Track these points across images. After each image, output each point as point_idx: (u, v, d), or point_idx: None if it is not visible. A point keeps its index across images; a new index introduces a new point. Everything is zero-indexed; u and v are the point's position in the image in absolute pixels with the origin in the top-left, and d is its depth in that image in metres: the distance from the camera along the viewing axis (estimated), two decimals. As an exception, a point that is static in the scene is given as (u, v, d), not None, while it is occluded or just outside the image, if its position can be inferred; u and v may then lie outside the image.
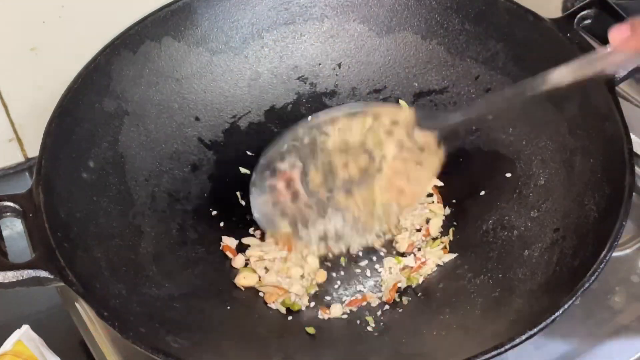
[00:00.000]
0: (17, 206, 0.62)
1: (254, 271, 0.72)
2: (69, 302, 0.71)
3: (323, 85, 0.82)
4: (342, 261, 0.72)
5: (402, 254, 0.73)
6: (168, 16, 0.76)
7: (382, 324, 0.68)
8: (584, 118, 0.70)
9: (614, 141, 0.65)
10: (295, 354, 0.65)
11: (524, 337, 0.55)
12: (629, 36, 0.54)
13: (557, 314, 0.56)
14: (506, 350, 0.55)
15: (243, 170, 0.78)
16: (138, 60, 0.75)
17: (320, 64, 0.82)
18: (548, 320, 0.56)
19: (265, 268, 0.72)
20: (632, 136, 0.65)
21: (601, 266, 0.58)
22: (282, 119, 0.80)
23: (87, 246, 0.64)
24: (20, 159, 0.85)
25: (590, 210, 0.65)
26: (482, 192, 0.74)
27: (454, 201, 0.76)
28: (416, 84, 0.80)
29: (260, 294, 0.71)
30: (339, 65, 0.82)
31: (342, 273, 0.72)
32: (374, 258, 0.73)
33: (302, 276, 0.71)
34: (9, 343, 0.63)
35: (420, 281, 0.71)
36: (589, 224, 0.64)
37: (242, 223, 0.75)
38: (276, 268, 0.72)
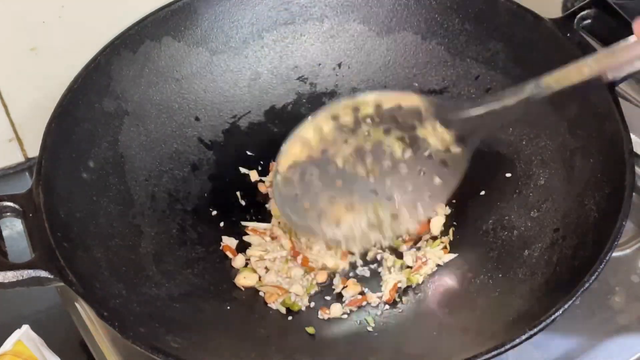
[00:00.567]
0: (17, 206, 0.62)
1: (254, 271, 0.72)
2: (69, 302, 0.71)
3: (323, 85, 0.82)
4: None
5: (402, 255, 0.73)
6: (168, 16, 0.76)
7: (382, 324, 0.68)
8: (584, 118, 0.70)
9: (614, 141, 0.65)
10: (295, 354, 0.65)
11: (524, 337, 0.55)
12: None
13: (557, 314, 0.56)
14: (506, 350, 0.55)
15: (243, 170, 0.78)
16: (138, 60, 0.75)
17: (320, 64, 0.82)
18: (548, 320, 0.56)
19: (266, 268, 0.72)
20: (632, 136, 0.65)
21: (601, 266, 0.58)
22: (282, 119, 0.80)
23: (87, 246, 0.64)
24: (20, 159, 0.85)
25: (590, 210, 0.65)
26: (482, 192, 0.74)
27: (454, 201, 0.76)
28: (416, 84, 0.80)
29: (261, 293, 0.71)
30: (339, 65, 0.82)
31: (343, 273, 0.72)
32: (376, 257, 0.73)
33: (304, 275, 0.71)
34: (9, 343, 0.63)
35: (420, 281, 0.71)
36: (589, 224, 0.64)
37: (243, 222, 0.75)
38: (276, 268, 0.72)
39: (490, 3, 0.76)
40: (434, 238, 0.74)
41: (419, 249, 0.73)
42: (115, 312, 0.60)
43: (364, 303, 0.70)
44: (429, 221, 0.74)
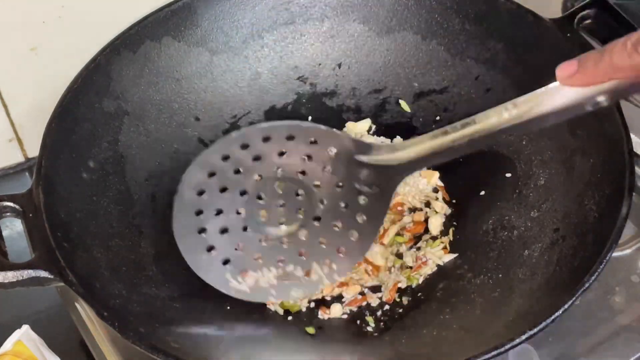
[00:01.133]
0: (17, 206, 0.62)
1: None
2: (69, 302, 0.71)
3: (323, 85, 0.82)
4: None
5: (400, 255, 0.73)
6: (168, 16, 0.76)
7: (382, 324, 0.68)
8: (584, 118, 0.69)
9: (614, 141, 0.65)
10: (295, 354, 0.65)
11: (524, 337, 0.55)
12: (576, 72, 0.52)
13: (557, 314, 0.56)
14: (506, 350, 0.55)
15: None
16: (138, 60, 0.75)
17: (320, 64, 0.82)
18: (548, 320, 0.56)
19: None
20: (632, 136, 0.65)
21: (601, 266, 0.58)
22: (282, 119, 0.80)
23: (87, 246, 0.64)
24: (20, 159, 0.85)
25: (590, 210, 0.65)
26: (482, 192, 0.74)
27: (454, 201, 0.76)
28: (416, 84, 0.80)
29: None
30: (339, 65, 0.82)
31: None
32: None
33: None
34: (9, 343, 0.63)
35: (420, 281, 0.71)
36: (589, 224, 0.64)
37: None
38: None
39: (490, 3, 0.76)
40: (434, 238, 0.74)
41: (419, 249, 0.73)
42: (115, 312, 0.60)
43: (364, 303, 0.70)
44: (425, 221, 0.74)
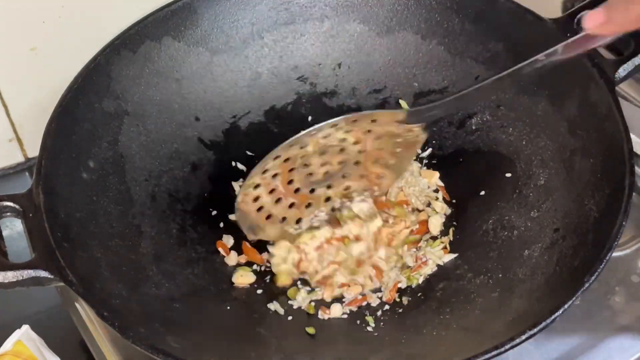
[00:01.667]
0: (17, 206, 0.62)
1: (250, 269, 0.72)
2: (69, 302, 0.71)
3: (323, 85, 0.82)
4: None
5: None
6: (168, 16, 0.76)
7: (382, 324, 0.68)
8: (584, 118, 0.70)
9: (614, 141, 0.65)
10: (295, 354, 0.65)
11: (524, 337, 0.55)
12: (604, 21, 0.56)
13: (557, 314, 0.56)
14: (506, 350, 0.55)
15: (240, 166, 0.78)
16: (138, 60, 0.75)
17: (320, 64, 0.82)
18: (548, 320, 0.56)
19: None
20: (632, 136, 0.65)
21: (601, 266, 0.58)
22: (282, 119, 0.80)
23: (87, 246, 0.64)
24: (20, 159, 0.85)
25: (590, 210, 0.65)
26: (482, 192, 0.74)
27: (454, 201, 0.76)
28: (416, 84, 0.80)
29: (259, 291, 0.71)
30: (339, 65, 0.82)
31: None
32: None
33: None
34: (9, 343, 0.63)
35: (420, 281, 0.71)
36: (589, 224, 0.64)
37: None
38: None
39: (490, 3, 0.76)
40: (434, 238, 0.74)
41: (419, 248, 0.73)
42: (115, 312, 0.60)
43: (364, 303, 0.70)
44: (427, 221, 0.74)
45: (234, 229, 0.75)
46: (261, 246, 0.74)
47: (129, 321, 0.59)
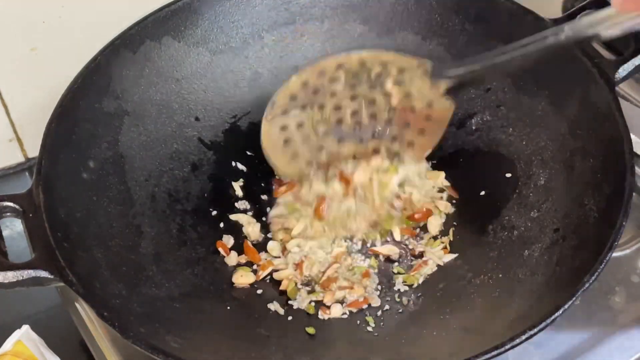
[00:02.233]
0: (17, 206, 0.62)
1: (250, 269, 0.72)
2: (69, 302, 0.71)
3: (323, 85, 0.82)
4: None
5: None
6: (168, 16, 0.76)
7: (382, 324, 0.68)
8: (584, 118, 0.70)
9: (614, 141, 0.65)
10: (295, 354, 0.65)
11: (524, 337, 0.55)
12: None
13: (557, 314, 0.56)
14: (506, 350, 0.55)
15: (240, 166, 0.78)
16: (138, 60, 0.75)
17: (320, 64, 0.82)
18: (548, 320, 0.56)
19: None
20: (632, 136, 0.65)
21: (601, 266, 0.58)
22: (282, 119, 0.80)
23: (87, 246, 0.64)
24: (20, 159, 0.85)
25: (590, 210, 0.65)
26: (482, 192, 0.74)
27: (454, 201, 0.76)
28: (416, 84, 0.80)
29: (259, 291, 0.71)
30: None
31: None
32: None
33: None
34: (9, 343, 0.63)
35: (420, 281, 0.71)
36: (589, 224, 0.64)
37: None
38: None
39: (490, 3, 0.76)
40: (434, 238, 0.74)
41: (418, 239, 0.73)
42: (115, 312, 0.60)
43: (365, 306, 0.70)
44: (427, 215, 0.74)
45: (234, 229, 0.75)
46: (261, 246, 0.74)
47: (129, 321, 0.59)
